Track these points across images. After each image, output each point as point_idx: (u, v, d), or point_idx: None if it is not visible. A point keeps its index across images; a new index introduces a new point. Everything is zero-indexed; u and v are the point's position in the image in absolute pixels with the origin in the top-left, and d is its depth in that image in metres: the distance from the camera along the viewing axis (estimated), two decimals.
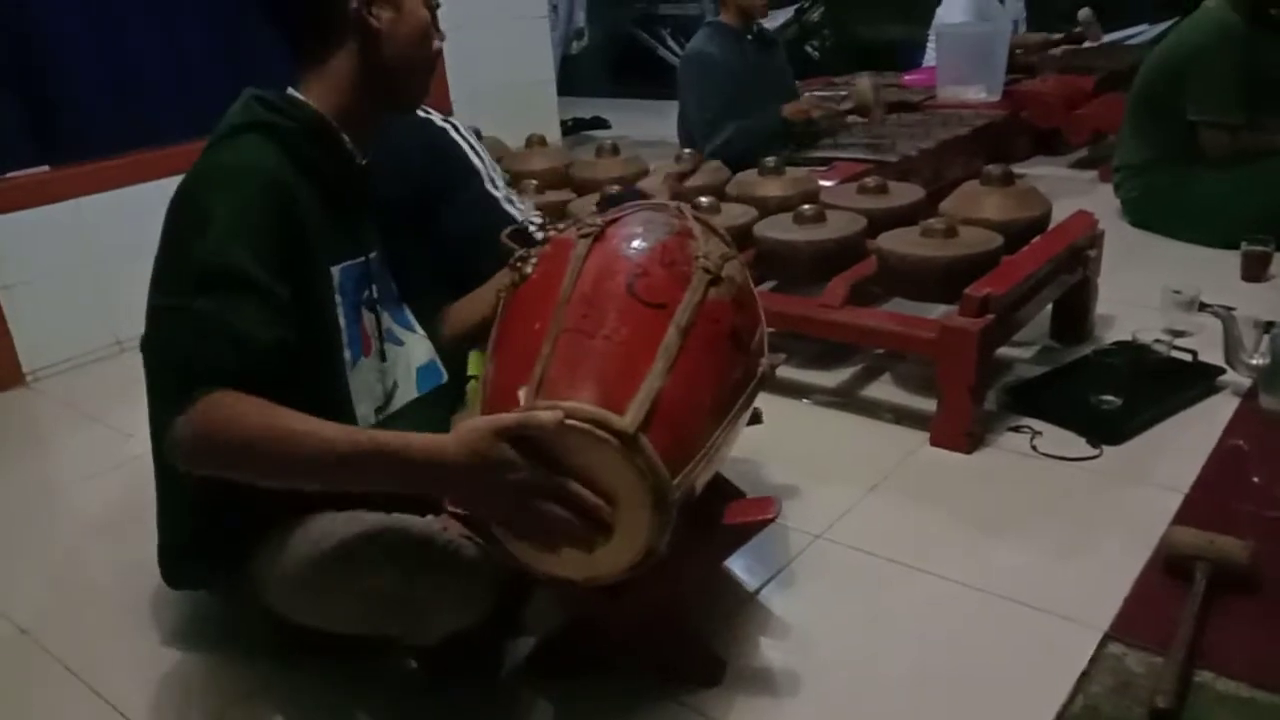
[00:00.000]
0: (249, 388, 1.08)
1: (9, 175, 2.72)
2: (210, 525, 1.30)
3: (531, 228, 1.60)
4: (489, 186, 1.81)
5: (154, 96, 2.93)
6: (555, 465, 1.08)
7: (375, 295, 1.36)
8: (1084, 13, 4.59)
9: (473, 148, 1.82)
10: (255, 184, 1.18)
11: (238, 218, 1.14)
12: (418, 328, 1.45)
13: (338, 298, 1.27)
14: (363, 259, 1.34)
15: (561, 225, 1.45)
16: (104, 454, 2.24)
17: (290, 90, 1.29)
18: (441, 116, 1.83)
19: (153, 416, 1.22)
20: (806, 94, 3.62)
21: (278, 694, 1.43)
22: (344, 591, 1.18)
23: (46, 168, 2.79)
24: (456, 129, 1.82)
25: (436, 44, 1.35)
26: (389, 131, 1.75)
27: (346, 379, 1.28)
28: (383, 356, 1.35)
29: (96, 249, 2.76)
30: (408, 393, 1.40)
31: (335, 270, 1.27)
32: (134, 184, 2.76)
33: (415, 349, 1.43)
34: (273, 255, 1.16)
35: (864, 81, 3.57)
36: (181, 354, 1.11)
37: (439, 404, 1.47)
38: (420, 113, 1.81)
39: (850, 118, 3.58)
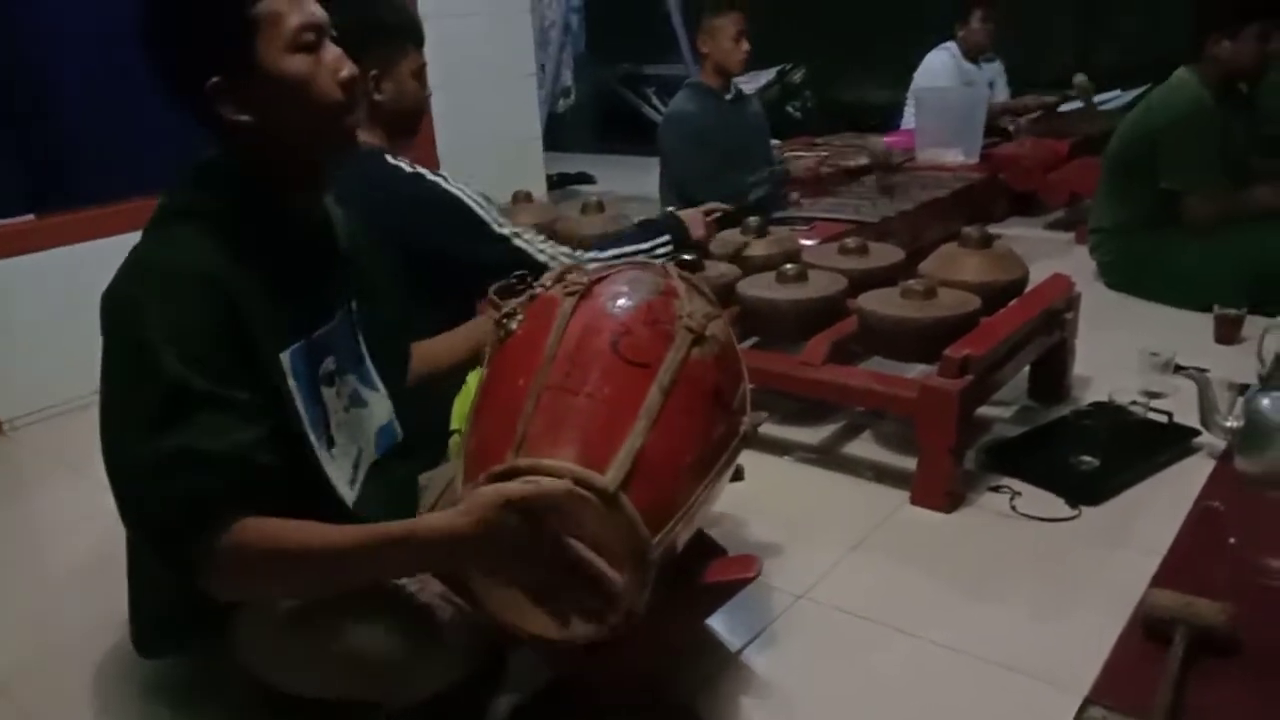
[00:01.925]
0: (254, 500, 1.05)
1: None
2: (185, 596, 1.25)
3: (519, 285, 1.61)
4: (495, 228, 1.87)
5: (142, 146, 2.94)
6: (536, 524, 1.08)
7: (333, 366, 1.31)
8: (1079, 78, 4.70)
9: (467, 194, 1.86)
10: (186, 286, 1.11)
11: (172, 330, 1.08)
12: (379, 385, 1.42)
13: (292, 383, 1.21)
14: (315, 335, 1.28)
15: (548, 282, 1.46)
16: (81, 505, 2.20)
17: (229, 162, 1.22)
18: (431, 172, 1.86)
19: (161, 557, 1.13)
20: (809, 155, 3.75)
21: None
22: (322, 656, 1.17)
23: (32, 216, 2.79)
24: (447, 180, 1.86)
25: (330, 92, 1.19)
26: (378, 186, 1.78)
27: (319, 462, 1.24)
28: (330, 441, 1.29)
29: (80, 298, 2.69)
30: (369, 456, 1.37)
31: (285, 356, 1.21)
32: (120, 234, 2.76)
33: (376, 409, 1.40)
34: (215, 358, 1.09)
35: (875, 140, 3.71)
36: (174, 505, 1.04)
37: (398, 465, 1.44)
38: (409, 169, 1.84)
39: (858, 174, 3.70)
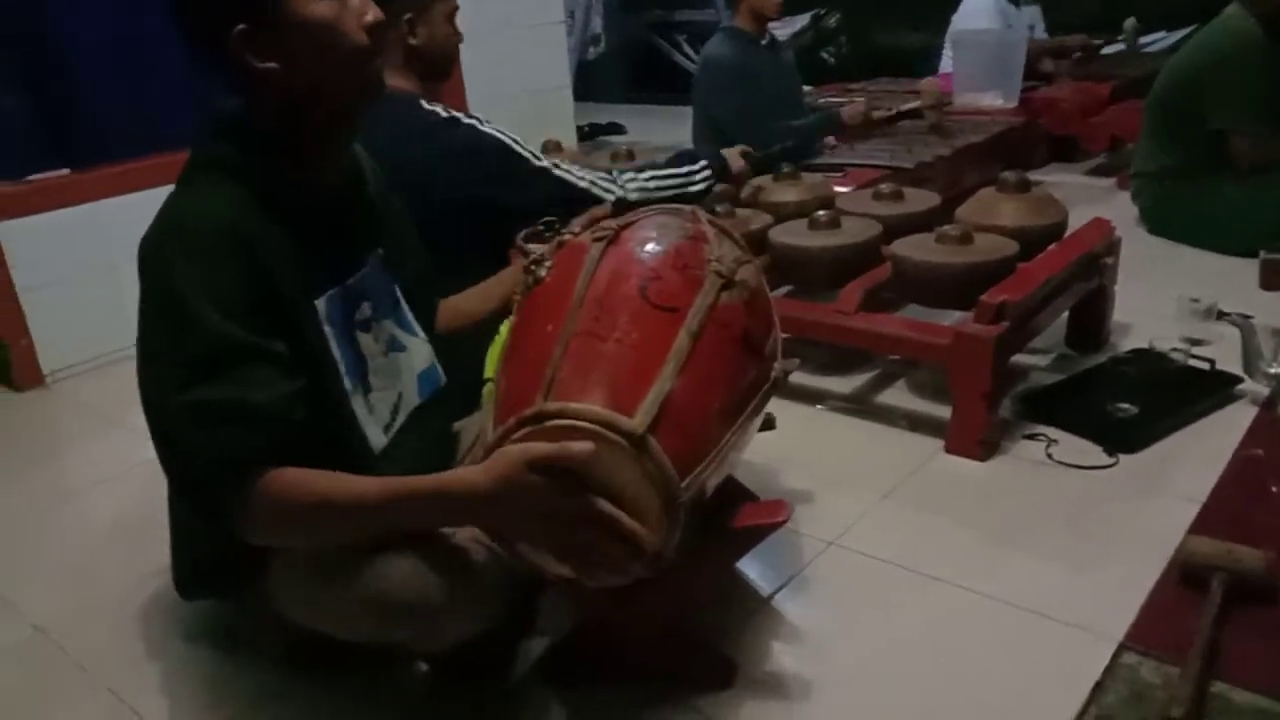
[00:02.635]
0: (287, 453, 1.08)
1: (30, 178, 2.75)
2: (222, 541, 1.28)
3: (547, 232, 1.60)
4: (533, 161, 1.86)
5: (173, 99, 2.95)
6: (564, 473, 1.08)
7: (369, 313, 1.33)
8: (1130, 22, 4.58)
9: (506, 134, 1.85)
10: (218, 239, 1.12)
11: (208, 286, 1.09)
12: (418, 330, 1.44)
13: (327, 329, 1.23)
14: (348, 281, 1.29)
15: (577, 228, 1.45)
16: (121, 456, 2.25)
17: (254, 112, 1.21)
18: (465, 115, 1.85)
19: (196, 505, 1.18)
20: (860, 99, 3.68)
21: (289, 699, 1.44)
22: (356, 598, 1.18)
23: (66, 171, 2.81)
24: (482, 122, 1.85)
25: (355, 37, 1.17)
26: (412, 134, 1.77)
27: (351, 409, 1.26)
28: (376, 378, 1.32)
29: (115, 252, 2.78)
30: (410, 401, 1.39)
31: (320, 303, 1.23)
32: (153, 187, 2.78)
33: (416, 354, 1.42)
34: (252, 312, 1.11)
35: (930, 81, 3.63)
36: (211, 453, 1.07)
37: (439, 410, 1.46)
38: (444, 113, 1.83)
39: (906, 121, 3.63)
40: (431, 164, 1.75)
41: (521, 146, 1.86)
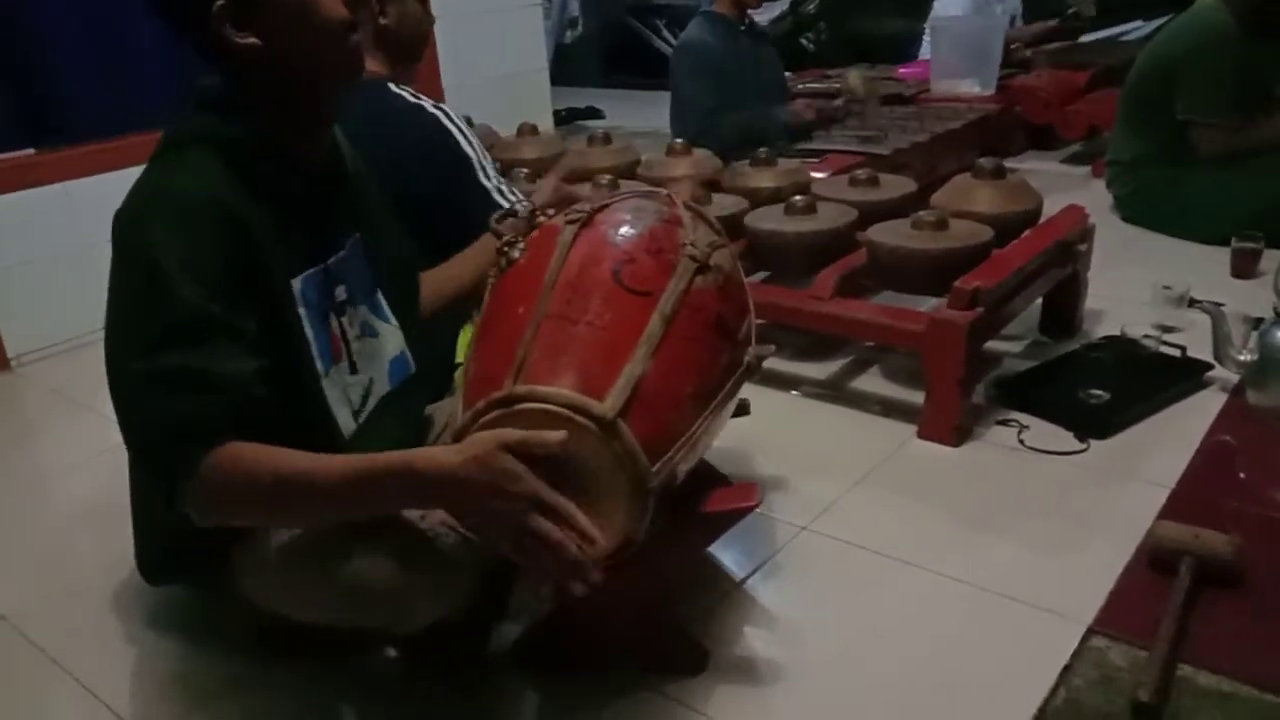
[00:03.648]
0: (244, 430, 1.06)
1: None
2: (186, 523, 1.27)
3: (520, 211, 1.58)
4: (480, 177, 1.80)
5: (142, 80, 2.91)
6: (534, 461, 1.06)
7: (342, 297, 1.31)
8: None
9: (464, 135, 1.81)
10: (197, 211, 1.11)
11: (186, 257, 1.08)
12: (391, 317, 1.42)
13: (301, 310, 1.21)
14: (324, 264, 1.27)
15: (551, 211, 1.44)
16: (89, 441, 2.22)
17: (236, 89, 1.20)
18: (433, 103, 1.82)
19: (147, 473, 1.16)
20: (800, 98, 3.60)
21: (257, 685, 1.42)
22: (324, 582, 1.17)
23: (31, 150, 2.77)
24: (448, 116, 1.81)
25: (334, 10, 1.17)
26: (377, 118, 1.74)
27: (322, 390, 1.24)
28: (352, 365, 1.31)
29: (84, 233, 2.74)
30: (381, 387, 1.37)
31: (296, 283, 1.21)
32: (122, 168, 2.74)
33: (388, 340, 1.40)
34: (227, 286, 1.10)
35: (853, 75, 3.58)
36: (165, 418, 1.05)
37: (409, 395, 1.44)
38: (411, 98, 1.80)
39: (844, 113, 3.58)
40: (395, 150, 1.72)
41: (476, 154, 1.81)
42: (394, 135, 1.74)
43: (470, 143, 1.82)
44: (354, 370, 1.30)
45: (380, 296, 1.40)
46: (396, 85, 1.82)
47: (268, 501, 1.07)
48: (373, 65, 1.79)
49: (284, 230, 1.19)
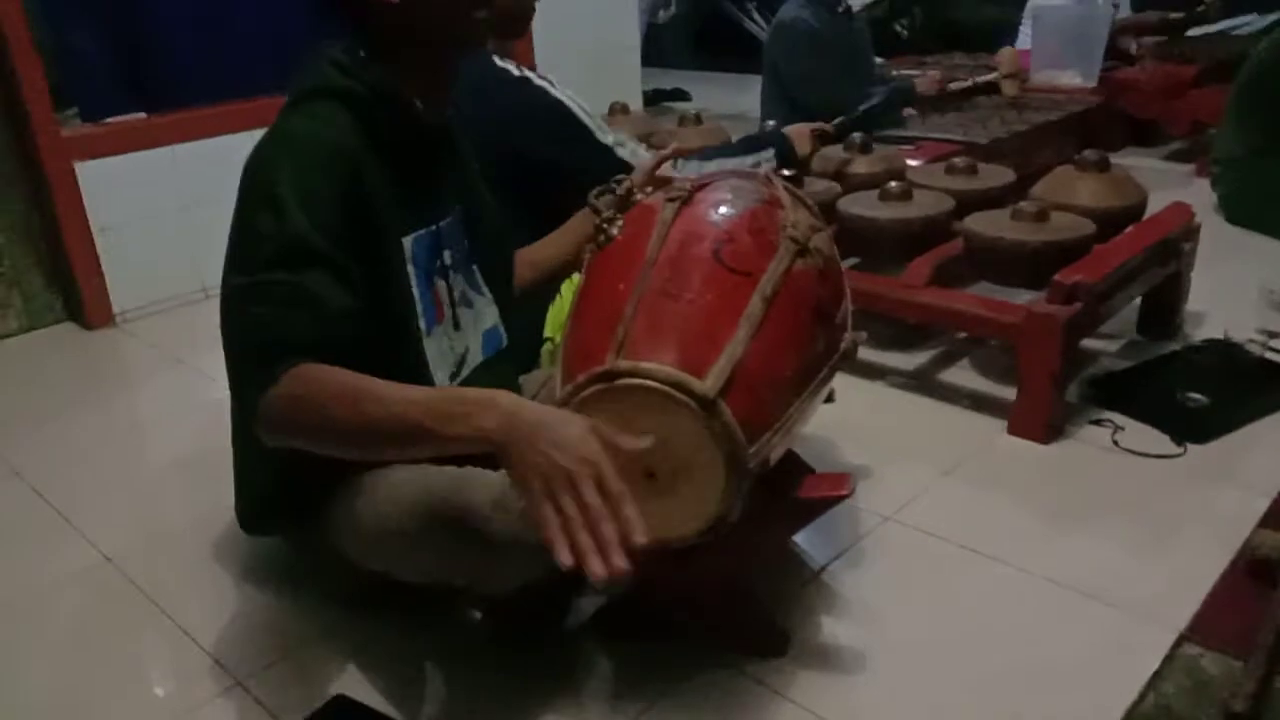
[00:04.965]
0: (327, 355, 1.08)
1: (107, 120, 2.80)
2: (287, 476, 1.31)
3: (619, 189, 1.59)
4: (600, 136, 1.84)
5: (248, 47, 2.98)
6: (630, 425, 1.07)
7: (448, 262, 1.35)
8: None
9: (575, 102, 1.83)
10: (323, 156, 1.16)
11: (304, 193, 1.13)
12: (485, 290, 1.45)
13: (410, 268, 1.26)
14: (435, 227, 1.32)
15: (649, 189, 1.44)
16: (188, 396, 2.31)
17: (362, 52, 1.25)
18: (538, 75, 1.84)
19: (234, 384, 1.21)
20: (935, 71, 3.57)
21: (344, 638, 1.46)
22: (417, 541, 1.20)
23: (143, 114, 2.86)
24: (554, 85, 1.83)
25: None
26: (482, 91, 1.77)
27: (423, 348, 1.28)
28: (456, 323, 1.35)
29: (187, 196, 2.83)
30: (475, 357, 1.41)
31: (407, 241, 1.26)
32: (226, 134, 2.83)
33: (483, 312, 1.43)
34: (339, 228, 1.15)
35: (1008, 50, 3.51)
36: (258, 330, 1.10)
37: (503, 368, 1.47)
38: (516, 71, 1.82)
39: (981, 95, 3.53)
40: (500, 122, 1.74)
41: (589, 117, 1.84)
42: (503, 108, 1.77)
43: (581, 106, 1.84)
44: (455, 332, 1.33)
45: (476, 269, 1.43)
46: (501, 59, 1.84)
47: (333, 417, 1.04)
48: None
49: (401, 188, 1.23)
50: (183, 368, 2.50)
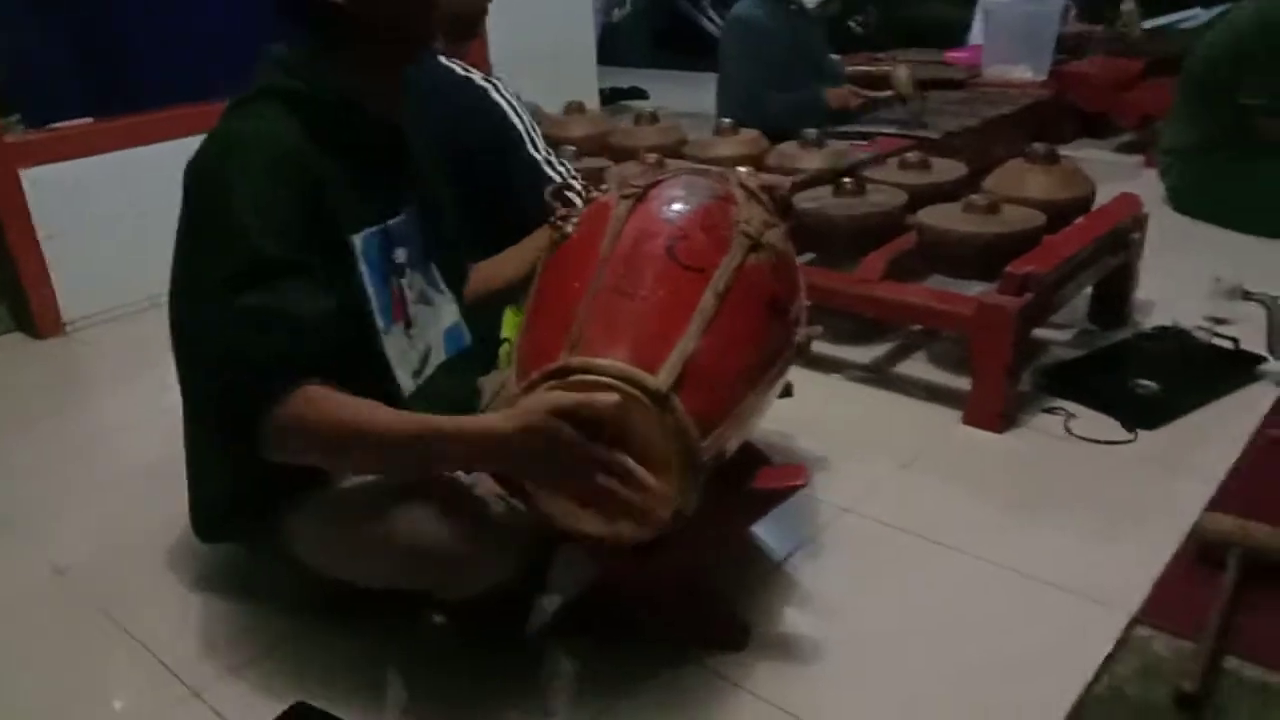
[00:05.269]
0: (324, 370, 1.10)
1: (54, 126, 2.75)
2: (243, 482, 1.30)
3: (575, 186, 1.59)
4: (530, 149, 1.81)
5: (199, 51, 2.94)
6: (586, 425, 1.08)
7: (402, 260, 1.34)
8: (1126, 5, 4.48)
9: (514, 109, 1.82)
10: (270, 157, 1.15)
11: (259, 200, 1.12)
12: (445, 288, 1.44)
13: (363, 266, 1.25)
14: (386, 225, 1.30)
15: (605, 186, 1.45)
16: (140, 405, 2.27)
17: (309, 52, 1.24)
18: (482, 76, 1.83)
19: (189, 393, 1.23)
20: (848, 85, 3.56)
21: (306, 644, 1.45)
22: (377, 546, 1.19)
23: (90, 119, 2.81)
24: (497, 89, 1.82)
25: None
26: (428, 91, 1.75)
27: (383, 347, 1.28)
28: (415, 322, 1.34)
29: (138, 202, 2.78)
30: (437, 356, 1.40)
31: (357, 239, 1.24)
32: (177, 138, 2.78)
33: (443, 310, 1.42)
34: (299, 229, 1.14)
35: (902, 71, 3.51)
36: (247, 357, 1.09)
37: (466, 368, 1.47)
38: (461, 71, 1.81)
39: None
40: (445, 121, 1.73)
41: (526, 127, 1.82)
42: (445, 108, 1.75)
43: (519, 115, 1.83)
44: (412, 331, 1.32)
45: (434, 267, 1.42)
46: (447, 58, 1.83)
47: (334, 444, 1.11)
48: None
49: (349, 186, 1.22)
50: (134, 376, 2.46)
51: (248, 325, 1.09)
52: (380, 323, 1.27)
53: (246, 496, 1.31)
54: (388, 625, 1.45)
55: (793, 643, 1.42)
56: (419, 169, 1.41)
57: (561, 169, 1.83)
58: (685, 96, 5.14)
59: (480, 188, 1.74)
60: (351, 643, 1.44)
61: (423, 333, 1.36)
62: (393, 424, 1.09)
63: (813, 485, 1.77)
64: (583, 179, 1.79)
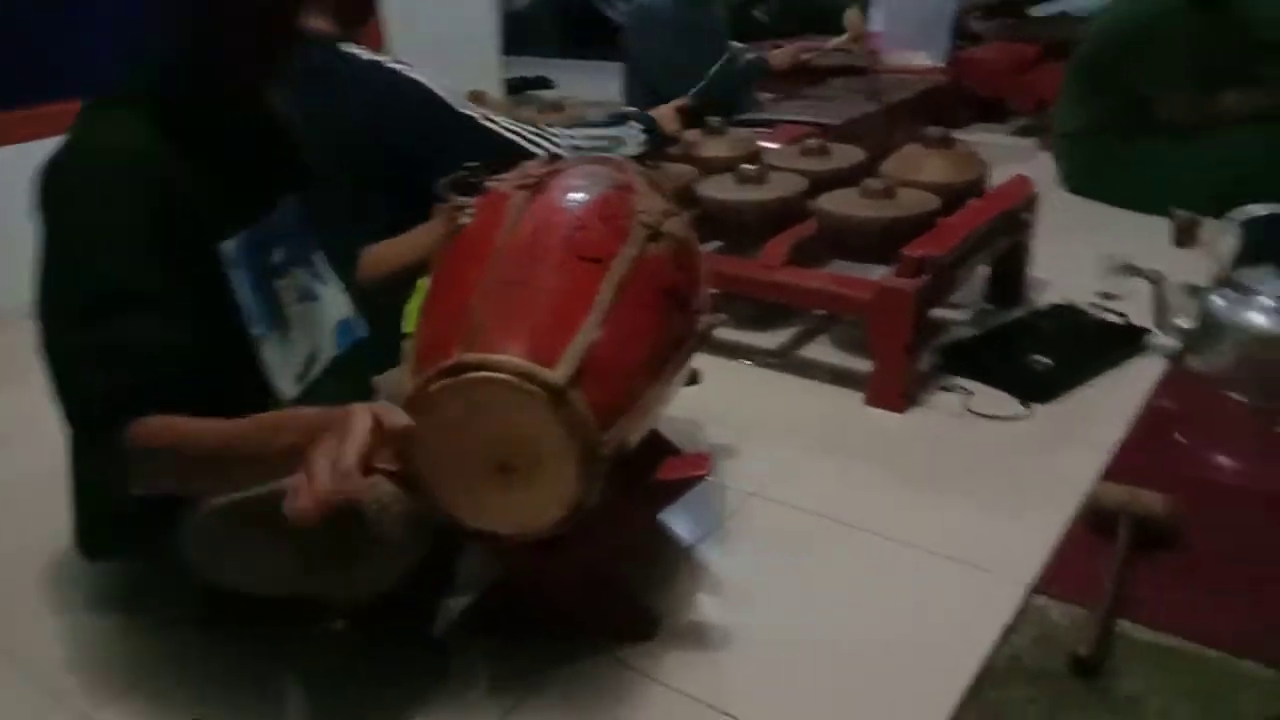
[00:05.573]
0: (167, 402, 1.06)
1: None
2: (127, 498, 1.24)
3: (471, 177, 1.56)
4: (459, 108, 1.80)
5: (59, 48, 2.80)
6: (481, 418, 1.07)
7: (281, 259, 1.28)
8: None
9: (427, 78, 1.80)
10: (123, 174, 1.09)
11: (106, 222, 1.07)
12: (333, 280, 1.40)
13: (235, 273, 1.19)
14: (260, 224, 1.25)
15: (503, 176, 1.42)
16: (12, 419, 2.16)
17: (165, 50, 1.18)
18: (389, 58, 1.80)
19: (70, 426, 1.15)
20: (792, 45, 3.60)
21: (199, 661, 1.40)
22: (267, 549, 1.15)
23: None
24: (407, 65, 1.80)
25: None
26: (331, 79, 1.71)
27: (260, 355, 1.23)
28: (297, 322, 1.29)
29: (4, 205, 2.64)
30: (326, 353, 1.36)
31: (228, 246, 1.19)
32: (36, 139, 2.64)
33: (332, 304, 1.38)
34: (149, 252, 1.09)
35: (854, 13, 3.55)
36: (89, 393, 1.06)
37: (357, 366, 1.42)
38: (367, 56, 1.78)
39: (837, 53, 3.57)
40: (360, 110, 1.70)
41: (446, 93, 1.80)
42: (361, 96, 1.72)
43: (435, 84, 1.80)
44: (293, 335, 1.28)
45: (321, 259, 1.38)
46: (346, 45, 1.78)
47: (184, 468, 1.07)
48: (321, 24, 1.76)
49: (214, 192, 1.16)
50: (13, 385, 2.34)
51: (88, 362, 1.06)
52: (256, 330, 1.22)
53: (134, 509, 1.25)
54: (288, 634, 1.40)
55: (702, 630, 1.43)
56: (299, 158, 1.36)
57: (493, 121, 1.82)
58: (593, 85, 5.10)
59: (419, 162, 1.72)
60: (249, 656, 1.39)
61: (307, 333, 1.31)
62: (234, 426, 1.05)
63: (720, 471, 1.79)
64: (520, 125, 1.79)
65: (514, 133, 1.84)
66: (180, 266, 1.11)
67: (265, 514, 1.14)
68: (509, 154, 1.76)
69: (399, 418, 1.00)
